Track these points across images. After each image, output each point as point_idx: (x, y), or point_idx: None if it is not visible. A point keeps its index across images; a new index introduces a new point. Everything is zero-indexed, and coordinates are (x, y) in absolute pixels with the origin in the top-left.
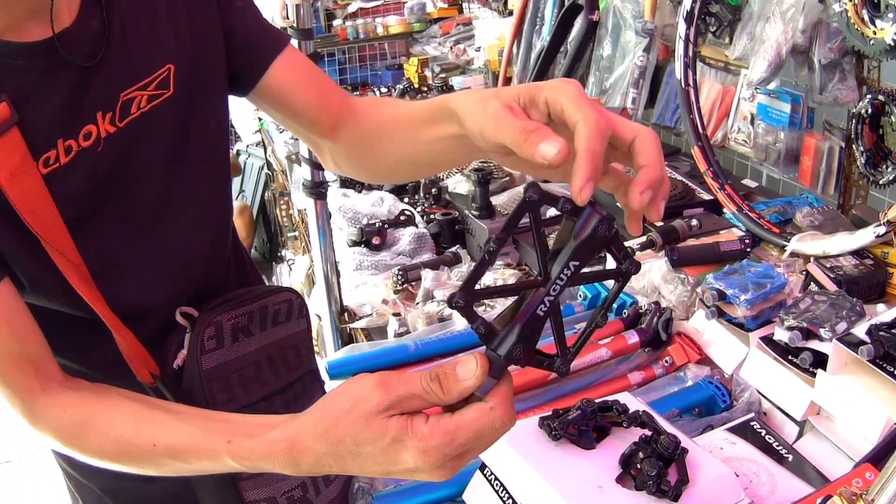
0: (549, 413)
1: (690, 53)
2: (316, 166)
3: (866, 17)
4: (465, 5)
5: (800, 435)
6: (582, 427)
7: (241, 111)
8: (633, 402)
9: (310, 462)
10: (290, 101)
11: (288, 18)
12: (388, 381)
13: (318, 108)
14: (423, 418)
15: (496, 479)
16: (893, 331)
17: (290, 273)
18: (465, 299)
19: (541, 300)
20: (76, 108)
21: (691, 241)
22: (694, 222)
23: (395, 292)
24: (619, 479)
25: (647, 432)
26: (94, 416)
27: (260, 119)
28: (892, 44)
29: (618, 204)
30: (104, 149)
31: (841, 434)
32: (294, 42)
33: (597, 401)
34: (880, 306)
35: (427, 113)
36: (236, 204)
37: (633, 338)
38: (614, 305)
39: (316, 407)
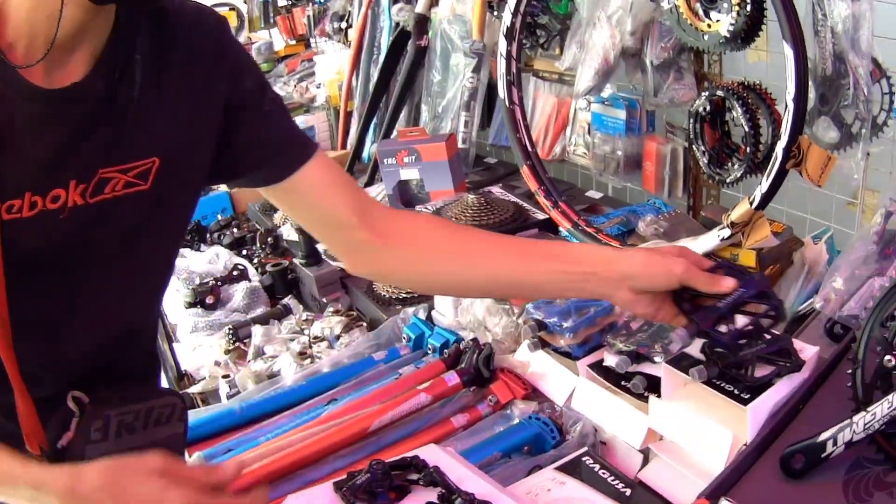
0: (344, 477)
1: (514, 70)
2: None
3: (700, 11)
4: (312, 40)
5: (645, 462)
6: (377, 489)
7: None
8: (436, 455)
9: None
10: (318, 204)
11: None
12: None
13: (350, 207)
14: None
15: None
16: (721, 323)
17: None
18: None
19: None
20: (52, 168)
21: None
22: None
23: (227, 352)
24: None
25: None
26: None
27: None
28: (728, 35)
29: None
30: (68, 217)
31: (689, 458)
32: None
33: (395, 458)
34: None
35: (541, 250)
36: None
37: (452, 379)
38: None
39: None
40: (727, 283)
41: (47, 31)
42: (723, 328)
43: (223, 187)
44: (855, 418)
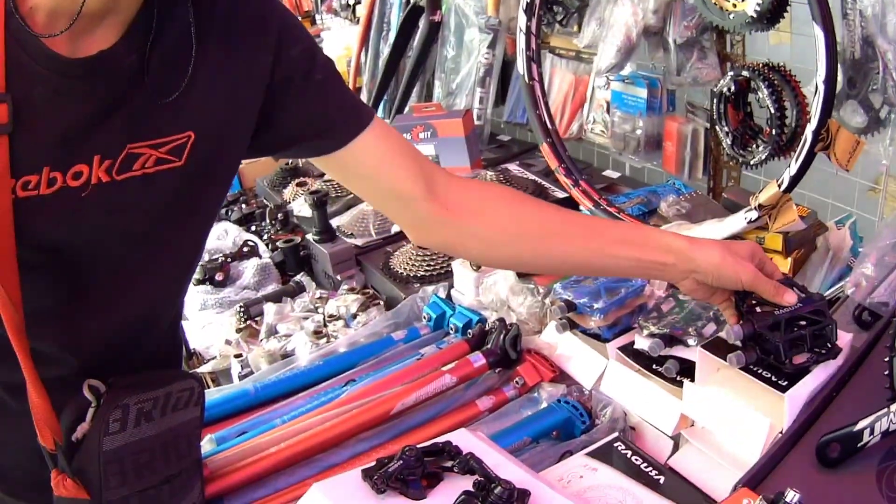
0: (373, 464)
1: (533, 46)
2: None
3: None
4: (318, 17)
5: (675, 448)
6: (409, 477)
7: None
8: (469, 441)
9: None
10: (378, 174)
11: None
12: None
13: (413, 177)
14: None
15: None
16: (775, 331)
17: None
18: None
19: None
20: (75, 142)
21: None
22: None
23: (238, 331)
24: None
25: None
26: None
27: None
28: (754, 15)
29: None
30: (91, 196)
31: (721, 445)
32: None
33: (427, 443)
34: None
35: (616, 234)
36: None
37: (478, 360)
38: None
39: None
40: (789, 298)
41: None
42: (775, 334)
43: None
44: (892, 407)
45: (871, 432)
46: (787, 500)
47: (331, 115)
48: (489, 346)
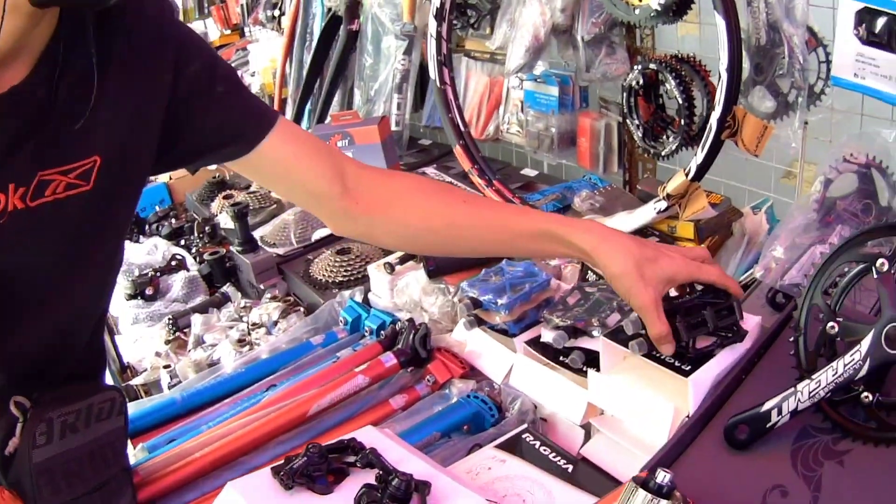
0: (282, 462)
1: (444, 51)
2: None
3: None
4: (246, 29)
5: (588, 437)
6: (315, 472)
7: None
8: (373, 437)
9: None
10: (290, 174)
11: None
12: None
13: (323, 175)
14: None
15: None
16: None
17: None
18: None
19: None
20: None
21: None
22: None
23: (167, 342)
24: None
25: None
26: None
27: None
28: (659, 8)
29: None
30: (7, 222)
31: (630, 432)
32: None
33: (331, 442)
34: None
35: (526, 230)
36: None
37: (390, 360)
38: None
39: None
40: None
41: None
42: (677, 319)
43: (161, 178)
44: (799, 386)
45: (780, 412)
46: (658, 480)
47: (236, 123)
48: (400, 346)
